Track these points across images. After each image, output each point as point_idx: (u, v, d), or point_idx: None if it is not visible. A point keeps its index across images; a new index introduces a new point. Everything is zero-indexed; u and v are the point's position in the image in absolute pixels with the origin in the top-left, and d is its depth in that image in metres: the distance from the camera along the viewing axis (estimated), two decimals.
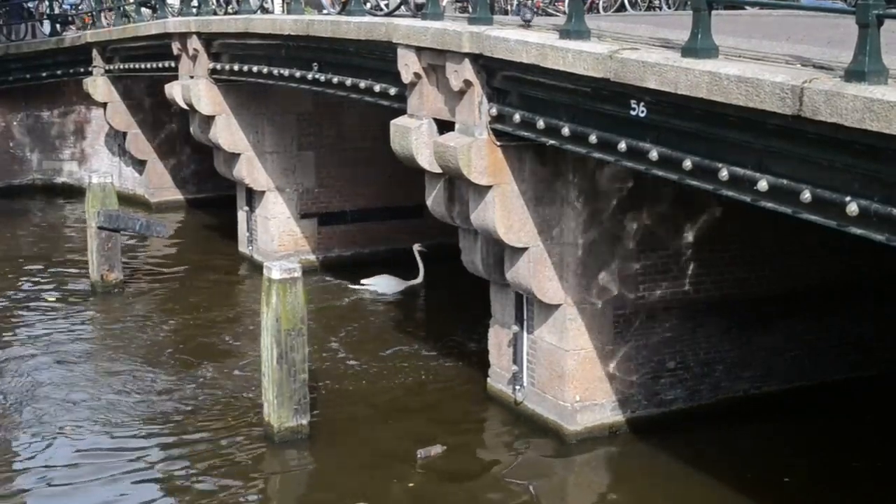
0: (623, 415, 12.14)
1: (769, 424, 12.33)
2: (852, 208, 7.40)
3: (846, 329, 13.12)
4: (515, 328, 12.56)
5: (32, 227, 23.12)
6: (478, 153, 11.39)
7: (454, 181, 12.28)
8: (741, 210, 9.90)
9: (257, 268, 17.06)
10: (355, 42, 13.73)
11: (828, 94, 7.30)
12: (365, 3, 15.14)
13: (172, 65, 19.47)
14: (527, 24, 11.26)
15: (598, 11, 16.91)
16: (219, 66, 17.93)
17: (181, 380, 13.83)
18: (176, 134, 23.79)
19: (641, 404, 12.23)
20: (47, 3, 26.87)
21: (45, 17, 26.61)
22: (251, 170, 18.50)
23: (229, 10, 19.38)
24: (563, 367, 11.89)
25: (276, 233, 18.68)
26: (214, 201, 23.19)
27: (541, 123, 10.65)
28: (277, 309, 11.46)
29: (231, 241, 20.11)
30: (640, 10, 17.60)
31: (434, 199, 12.74)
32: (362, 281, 17.27)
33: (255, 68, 16.87)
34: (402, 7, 14.24)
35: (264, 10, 18.19)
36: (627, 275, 11.97)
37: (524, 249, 11.72)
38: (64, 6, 27.17)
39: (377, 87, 13.69)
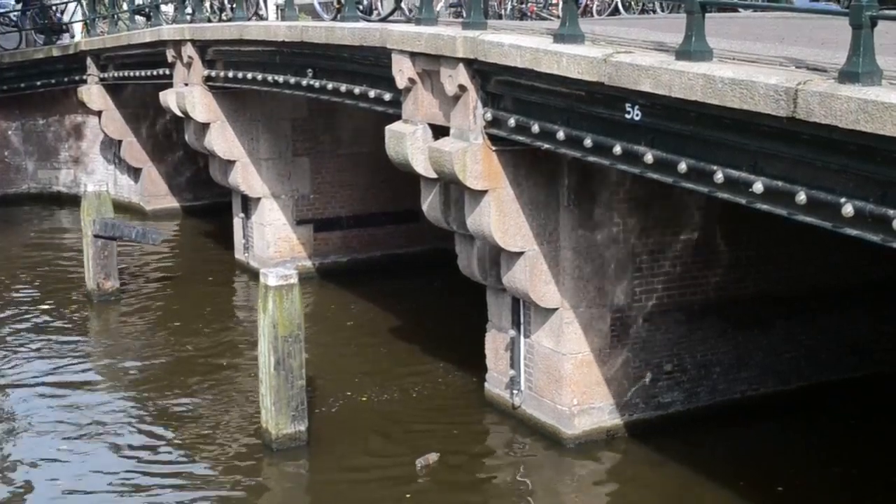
0: (621, 418, 12.14)
1: (767, 425, 12.33)
2: (847, 209, 7.40)
3: (843, 328, 13.12)
4: (512, 332, 12.55)
5: (28, 235, 23.08)
6: (473, 158, 11.39)
7: (450, 186, 12.28)
8: (737, 211, 9.90)
9: (254, 274, 17.06)
10: (349, 48, 13.73)
11: (822, 95, 7.30)
12: (369, 12, 15.15)
13: (167, 72, 19.48)
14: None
15: (592, 15, 16.94)
16: (213, 74, 17.94)
17: (178, 387, 13.82)
18: (171, 141, 23.81)
19: (639, 407, 12.22)
20: (39, 11, 26.87)
21: (40, 25, 26.60)
22: (246, 176, 18.50)
23: (223, 17, 19.39)
24: (561, 371, 11.89)
25: (272, 239, 18.67)
26: (210, 208, 23.21)
27: (535, 128, 10.65)
28: (274, 315, 11.45)
29: (227, 248, 20.10)
30: (634, 13, 17.64)
31: (430, 204, 12.74)
32: None
33: (249, 75, 16.87)
34: (397, 12, 14.24)
35: (259, 17, 18.19)
36: (624, 278, 11.97)
37: (520, 253, 11.72)
38: (58, 15, 27.16)
39: (372, 93, 13.68)
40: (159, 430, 12.57)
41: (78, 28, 25.54)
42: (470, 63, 11.24)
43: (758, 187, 8.12)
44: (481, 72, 11.26)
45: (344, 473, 11.49)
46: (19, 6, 27.03)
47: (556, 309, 11.84)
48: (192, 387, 13.82)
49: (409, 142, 12.33)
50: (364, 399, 13.36)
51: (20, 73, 24.91)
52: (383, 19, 14.31)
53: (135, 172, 24.37)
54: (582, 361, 11.89)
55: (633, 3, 17.80)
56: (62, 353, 15.35)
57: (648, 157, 9.18)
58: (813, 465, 11.42)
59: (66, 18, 26.79)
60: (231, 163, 18.48)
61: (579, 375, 11.89)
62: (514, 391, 12.59)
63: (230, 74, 17.42)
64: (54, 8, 26.93)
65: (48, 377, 14.36)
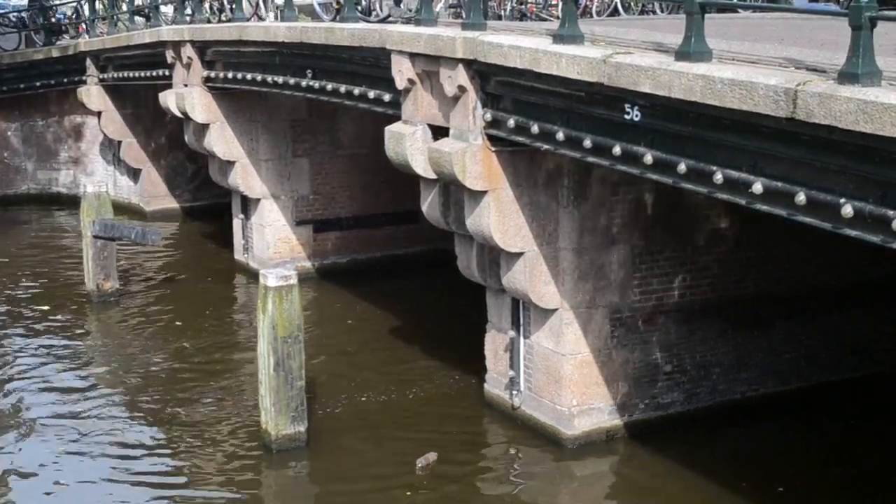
0: (621, 419, 12.13)
1: (767, 425, 12.33)
2: (847, 210, 7.40)
3: (843, 328, 13.12)
4: (512, 333, 12.55)
5: (28, 236, 23.08)
6: (472, 159, 11.39)
7: (449, 187, 12.28)
8: (736, 212, 9.91)
9: (253, 275, 17.05)
10: (349, 49, 13.73)
11: (821, 96, 7.30)
12: (368, 12, 15.14)
13: (166, 73, 19.47)
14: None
15: (592, 16, 16.91)
16: (213, 74, 17.93)
17: (178, 387, 13.82)
18: (170, 142, 23.80)
19: (639, 408, 12.22)
20: (39, 11, 26.89)
21: (39, 26, 26.60)
22: (246, 177, 18.50)
23: (223, 18, 19.39)
24: (561, 372, 11.88)
25: (272, 240, 18.67)
26: (209, 209, 23.21)
27: (535, 128, 10.64)
28: (274, 316, 11.44)
29: (226, 248, 20.10)
30: (634, 13, 17.62)
31: (429, 204, 12.74)
32: None
33: (249, 76, 16.87)
34: (395, 13, 14.24)
35: (258, 18, 18.19)
36: (623, 278, 11.97)
37: (520, 254, 11.71)
38: (57, 15, 27.16)
39: (371, 94, 13.68)
40: (159, 431, 12.57)
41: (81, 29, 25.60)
42: (469, 64, 11.24)
43: (757, 188, 8.13)
44: (481, 72, 11.26)
45: (343, 474, 11.50)
46: (23, 3, 27.02)
47: (556, 309, 11.84)
48: (192, 388, 13.82)
49: (408, 142, 12.33)
50: (364, 399, 13.36)
51: (20, 73, 24.91)
52: (382, 20, 14.31)
53: (134, 173, 24.36)
54: (582, 362, 11.88)
55: (632, 3, 17.79)
56: (61, 354, 15.34)
57: (648, 158, 9.19)
58: (813, 465, 11.42)
59: (68, 19, 26.82)
60: (231, 163, 18.48)
61: (579, 376, 11.89)
62: (514, 392, 12.59)
63: (230, 75, 17.42)
64: (54, 8, 26.93)
65: (47, 378, 14.36)
